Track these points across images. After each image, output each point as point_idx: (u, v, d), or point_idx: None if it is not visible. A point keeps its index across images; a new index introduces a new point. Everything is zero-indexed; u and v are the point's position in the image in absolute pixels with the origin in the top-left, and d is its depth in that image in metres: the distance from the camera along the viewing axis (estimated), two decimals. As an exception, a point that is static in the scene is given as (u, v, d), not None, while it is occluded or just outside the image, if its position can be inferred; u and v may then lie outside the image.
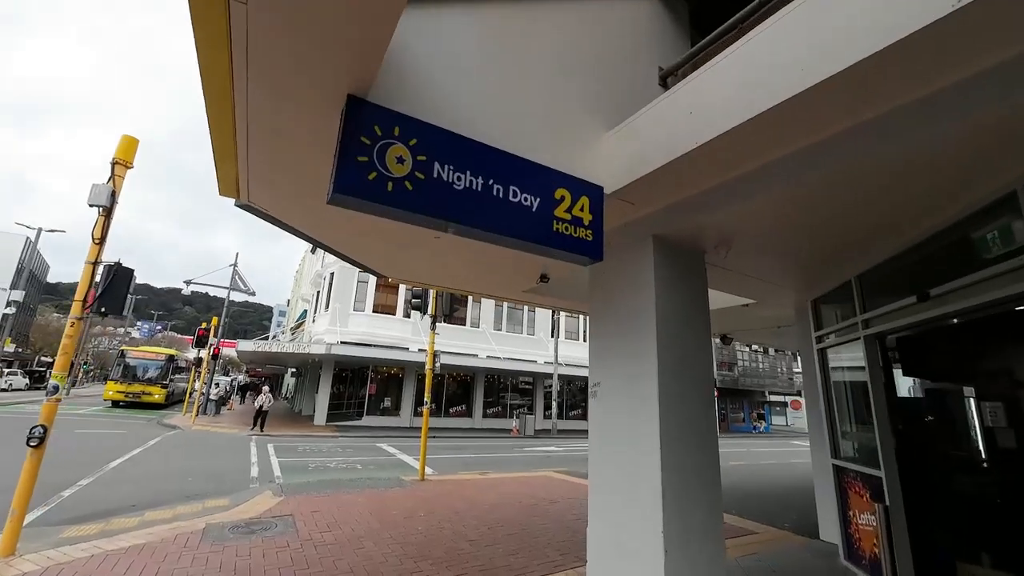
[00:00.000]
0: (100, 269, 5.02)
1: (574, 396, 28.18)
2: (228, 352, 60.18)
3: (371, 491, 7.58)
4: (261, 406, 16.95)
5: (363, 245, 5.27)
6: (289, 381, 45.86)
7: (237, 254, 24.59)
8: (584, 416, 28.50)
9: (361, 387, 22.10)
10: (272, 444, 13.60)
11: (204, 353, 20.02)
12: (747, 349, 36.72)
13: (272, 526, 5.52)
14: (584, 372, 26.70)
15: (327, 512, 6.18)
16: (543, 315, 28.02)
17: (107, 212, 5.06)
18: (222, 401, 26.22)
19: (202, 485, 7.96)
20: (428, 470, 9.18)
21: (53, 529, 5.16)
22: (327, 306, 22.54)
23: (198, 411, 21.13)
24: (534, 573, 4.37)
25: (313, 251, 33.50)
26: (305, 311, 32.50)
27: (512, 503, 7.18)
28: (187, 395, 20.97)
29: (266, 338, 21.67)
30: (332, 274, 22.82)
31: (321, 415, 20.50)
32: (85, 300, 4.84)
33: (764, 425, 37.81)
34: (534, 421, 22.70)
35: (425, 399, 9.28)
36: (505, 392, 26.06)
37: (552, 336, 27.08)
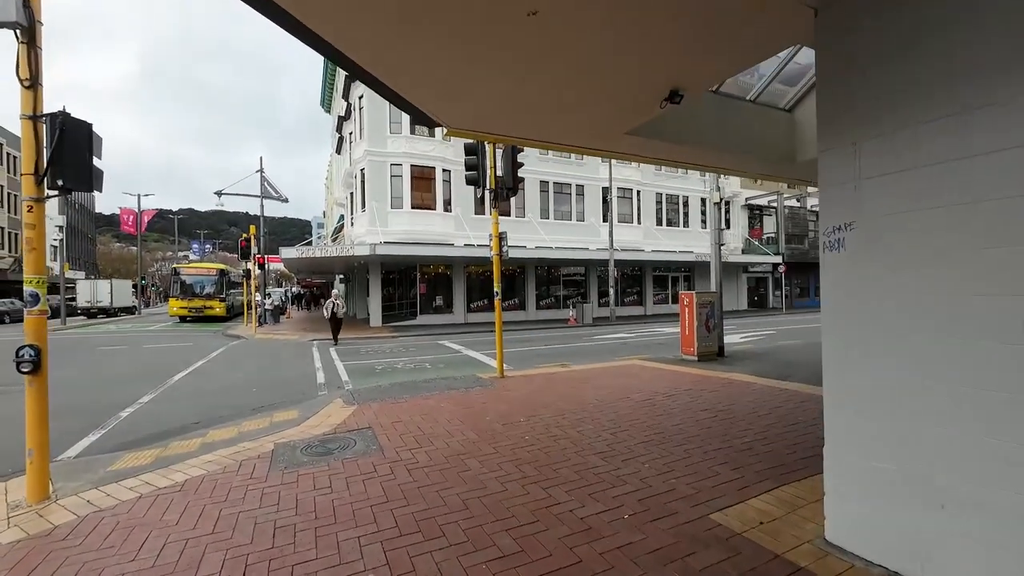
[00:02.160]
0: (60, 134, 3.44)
1: (628, 282, 26.84)
2: (276, 266, 62.28)
3: (452, 393, 6.62)
4: (335, 312, 14.20)
5: (408, 54, 3.35)
6: (339, 287, 47.09)
7: (261, 158, 22.99)
8: (639, 301, 27.44)
9: (411, 288, 21.52)
10: (334, 349, 13.21)
11: (251, 264, 19.57)
12: (817, 218, 33.23)
13: (350, 443, 4.56)
14: (639, 256, 25.03)
15: (410, 422, 5.19)
16: (592, 199, 25.64)
17: (29, 37, 3.33)
18: (280, 310, 26.84)
19: (268, 395, 7.29)
20: (505, 366, 8.18)
21: (107, 458, 4.38)
22: (363, 206, 21.12)
23: (259, 321, 21.53)
24: (719, 501, 3.12)
25: (339, 150, 31.37)
26: (342, 216, 31.46)
27: (621, 399, 6.02)
28: (244, 307, 21.20)
29: (308, 243, 20.90)
30: (363, 170, 20.99)
31: (376, 317, 20.30)
32: (37, 172, 3.36)
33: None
34: (591, 309, 21.75)
35: (495, 288, 7.93)
36: (557, 282, 24.98)
37: (605, 220, 24.97)
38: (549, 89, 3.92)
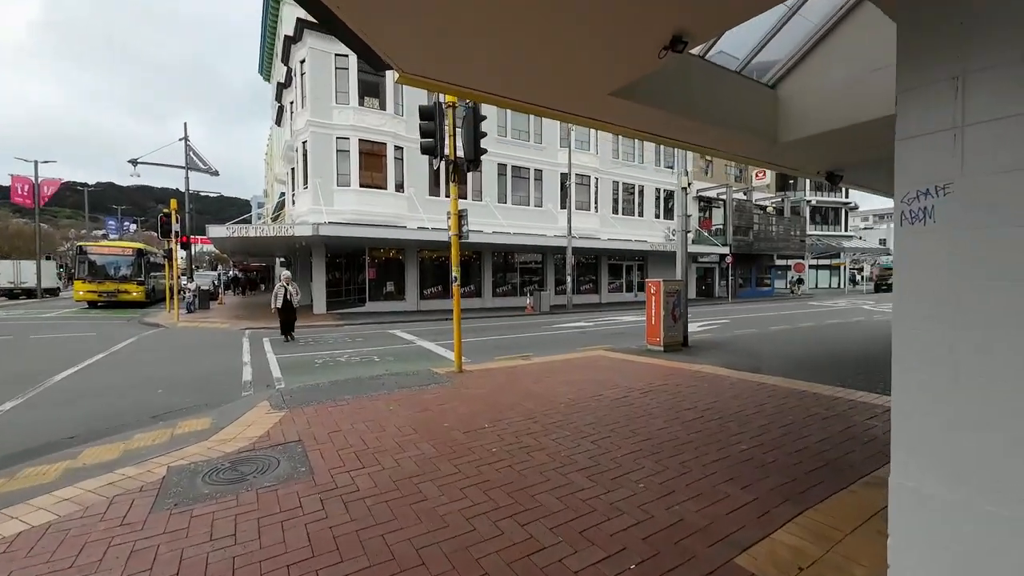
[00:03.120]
0: None
1: (583, 270, 26.67)
2: (210, 248, 57.23)
3: (404, 392, 5.74)
4: (288, 300, 11.12)
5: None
6: (280, 271, 43.98)
7: (185, 124, 20.38)
8: (595, 290, 27.39)
9: (359, 272, 20.07)
10: (269, 339, 11.80)
11: (173, 243, 17.33)
12: (761, 211, 34.66)
13: (272, 464, 3.61)
14: (596, 244, 24.83)
15: (352, 431, 4.29)
16: (550, 185, 25.07)
17: None
18: (210, 295, 24.38)
19: (177, 398, 6.06)
20: (464, 358, 7.37)
21: (-81, 495, 3.18)
22: (306, 182, 19.31)
23: (187, 307, 19.29)
24: (740, 536, 2.52)
25: (279, 121, 28.77)
26: (283, 194, 28.99)
27: (595, 397, 5.41)
28: (167, 291, 18.88)
29: (242, 221, 18.79)
30: (305, 143, 19.13)
31: (320, 303, 18.74)
32: None
33: (769, 288, 37.62)
34: (549, 297, 21.29)
35: (454, 273, 7.05)
36: (514, 269, 24.33)
37: (563, 207, 24.50)
38: (531, 24, 3.10)
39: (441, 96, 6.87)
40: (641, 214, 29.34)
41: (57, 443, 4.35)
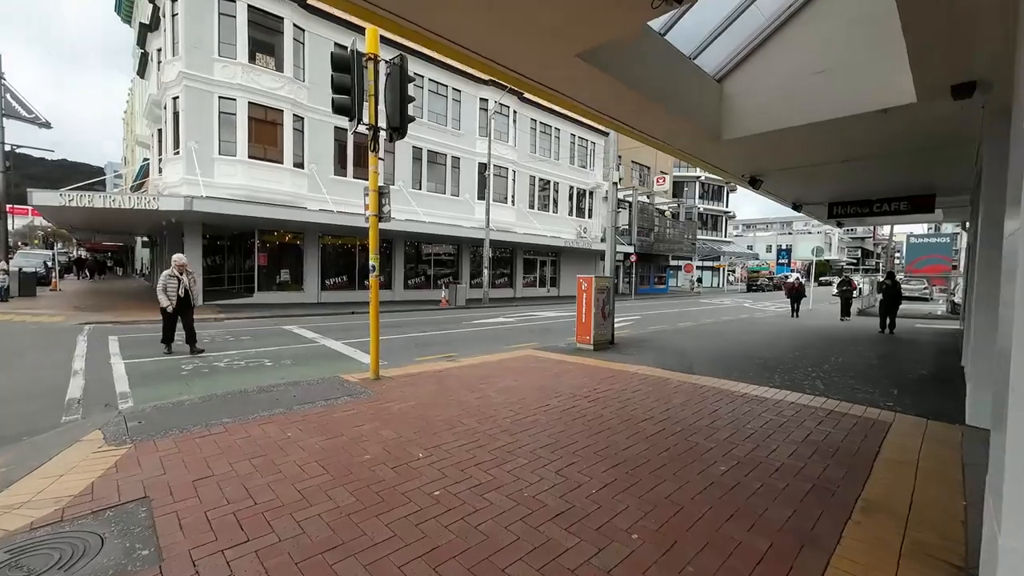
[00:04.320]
0: None
1: (498, 264, 26.22)
2: (42, 222, 46.84)
3: (305, 410, 4.53)
4: (184, 294, 7.77)
5: None
6: (142, 253, 37.18)
7: (0, 55, 15.70)
8: (510, 284, 27.10)
9: (246, 258, 17.32)
10: (118, 337, 9.34)
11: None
12: (660, 215, 37.30)
13: (87, 546, 2.33)
14: (512, 237, 24.50)
15: (230, 477, 3.08)
16: (467, 174, 24.12)
17: None
18: (39, 279, 19.48)
19: (-52, 429, 4.15)
20: (381, 361, 6.23)
21: None
22: (176, 146, 16.04)
23: (4, 293, 14.99)
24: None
25: (142, 73, 23.88)
26: (146, 160, 24.17)
27: (541, 408, 4.72)
28: (-32, 273, 14.41)
29: (88, 187, 14.75)
30: (176, 99, 15.86)
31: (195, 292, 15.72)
32: None
33: (664, 286, 40.77)
34: (464, 291, 20.41)
35: (372, 261, 5.86)
36: (427, 261, 23.00)
37: (480, 198, 23.71)
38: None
39: (360, 46, 5.63)
40: (556, 210, 29.66)
41: None
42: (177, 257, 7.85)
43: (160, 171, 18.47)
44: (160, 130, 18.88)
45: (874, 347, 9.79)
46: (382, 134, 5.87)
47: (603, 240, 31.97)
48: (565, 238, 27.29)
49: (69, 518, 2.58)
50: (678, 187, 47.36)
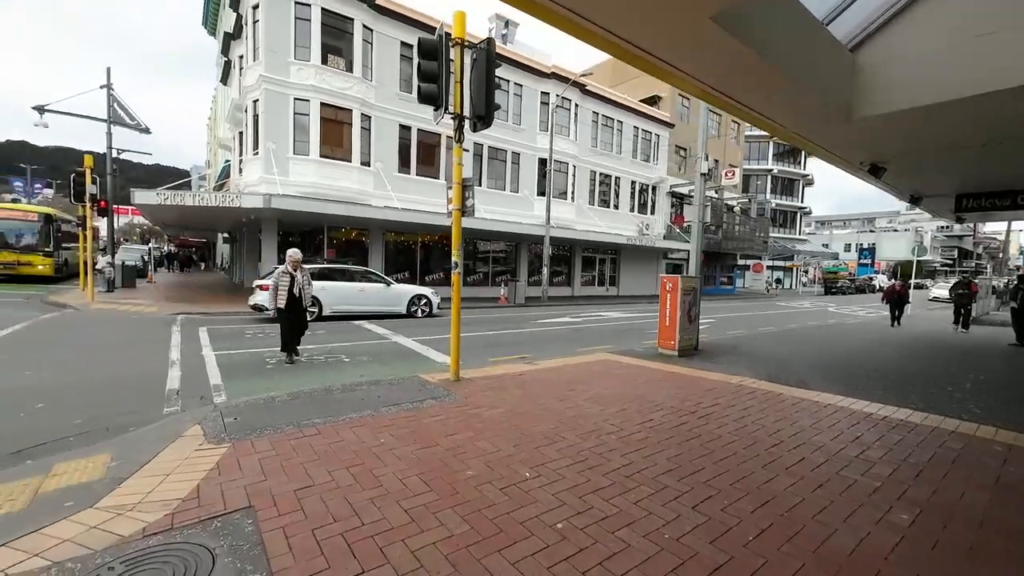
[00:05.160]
0: None
1: (555, 262, 25.63)
2: (141, 220, 51.74)
3: (393, 413, 4.31)
4: (298, 295, 6.68)
5: None
6: (222, 249, 40.05)
7: (109, 69, 17.22)
8: (567, 282, 26.46)
9: (316, 254, 17.94)
10: (207, 328, 9.81)
11: (88, 208, 14.49)
12: (728, 211, 35.03)
13: (198, 562, 2.14)
14: (571, 234, 23.83)
15: (331, 488, 2.85)
16: (527, 170, 23.74)
17: None
18: (138, 272, 21.33)
19: (62, 417, 4.30)
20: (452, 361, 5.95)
21: None
22: (256, 148, 16.88)
23: (109, 285, 16.47)
24: None
25: (225, 79, 25.53)
26: (228, 161, 25.87)
27: (645, 423, 4.22)
28: (81, 265, 15.96)
29: (179, 186, 15.95)
30: (256, 102, 16.68)
31: (270, 287, 16.53)
32: None
33: (731, 287, 38.38)
34: (523, 288, 20.08)
35: (454, 258, 5.60)
36: (484, 258, 22.90)
37: (540, 194, 23.28)
38: None
39: (445, 28, 5.36)
40: (616, 206, 28.61)
41: None
42: (292, 252, 6.67)
43: (240, 171, 19.61)
44: (241, 133, 20.03)
45: (1017, 362, 8.34)
46: (467, 123, 5.57)
47: (666, 237, 30.50)
48: (626, 235, 26.23)
49: (179, 526, 2.43)
50: (747, 181, 44.41)
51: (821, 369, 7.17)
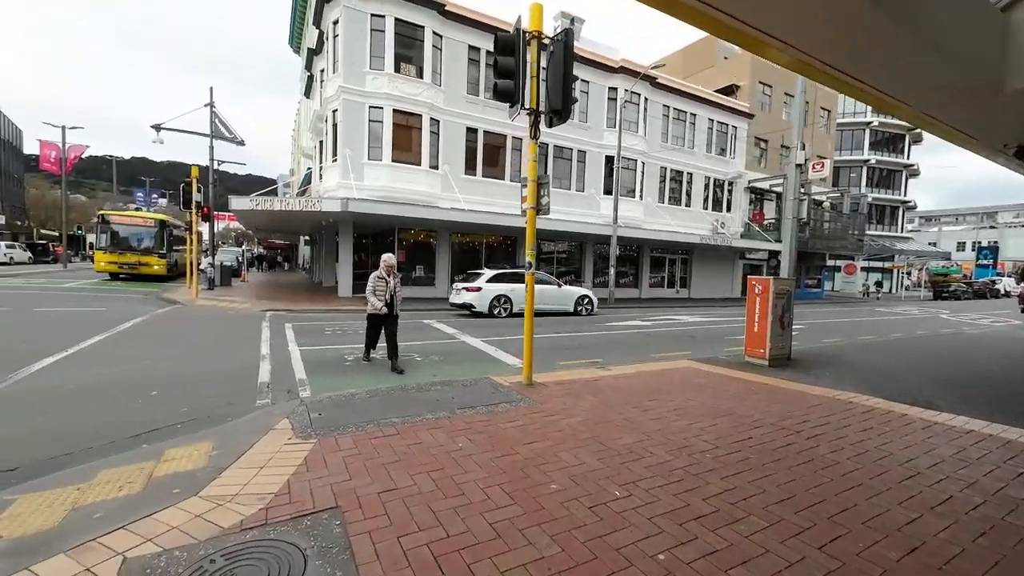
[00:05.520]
0: None
1: (622, 262, 24.77)
2: (236, 225, 57.12)
3: (468, 416, 4.23)
4: (390, 299, 6.59)
5: None
6: (304, 250, 43.25)
7: (212, 89, 19.15)
8: (635, 284, 25.49)
9: (381, 252, 18.66)
10: (291, 324, 10.49)
11: (193, 213, 16.19)
12: (816, 207, 31.93)
13: (290, 561, 2.13)
14: (639, 234, 22.89)
15: (414, 492, 2.78)
16: (593, 168, 23.16)
17: None
18: (233, 272, 23.50)
19: (171, 405, 4.68)
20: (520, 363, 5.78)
21: None
22: (334, 154, 17.92)
23: (210, 283, 18.32)
24: None
25: (308, 92, 27.47)
26: (309, 169, 27.82)
27: (743, 441, 3.78)
28: (187, 266, 17.91)
29: (265, 193, 17.51)
30: (335, 111, 17.69)
31: (346, 286, 17.50)
32: None
33: (819, 290, 34.97)
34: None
35: (528, 258, 5.46)
36: (549, 258, 22.64)
37: (606, 192, 22.63)
38: None
39: (523, 22, 5.21)
40: (688, 204, 27.12)
41: (-17, 482, 2.97)
42: (387, 257, 6.62)
43: (320, 177, 20.95)
44: (321, 141, 21.40)
45: None
46: (542, 119, 5.39)
47: (743, 236, 28.43)
48: (699, 234, 24.75)
49: (272, 522, 2.46)
50: (836, 173, 40.34)
51: (950, 387, 6.16)
